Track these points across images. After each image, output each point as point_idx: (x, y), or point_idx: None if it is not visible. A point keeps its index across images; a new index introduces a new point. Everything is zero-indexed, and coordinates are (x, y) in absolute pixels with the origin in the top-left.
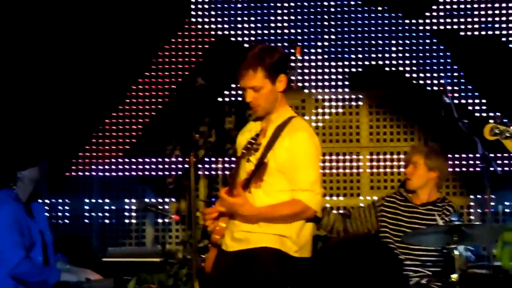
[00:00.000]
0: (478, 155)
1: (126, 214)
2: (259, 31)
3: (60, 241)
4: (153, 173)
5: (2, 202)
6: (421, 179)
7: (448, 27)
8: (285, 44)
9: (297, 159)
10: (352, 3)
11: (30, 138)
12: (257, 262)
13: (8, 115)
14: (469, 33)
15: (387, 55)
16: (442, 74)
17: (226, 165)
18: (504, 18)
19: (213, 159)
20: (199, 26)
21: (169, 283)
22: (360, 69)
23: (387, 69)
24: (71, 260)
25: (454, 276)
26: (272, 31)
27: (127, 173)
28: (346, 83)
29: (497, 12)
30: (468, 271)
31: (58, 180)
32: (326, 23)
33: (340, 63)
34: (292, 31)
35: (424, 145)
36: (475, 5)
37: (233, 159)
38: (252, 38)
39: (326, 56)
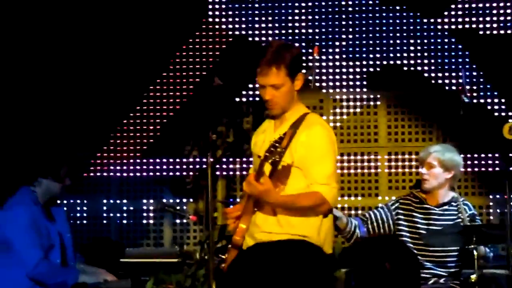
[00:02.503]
0: (497, 155)
1: (144, 214)
2: (276, 31)
3: (95, 243)
4: (171, 173)
5: (20, 202)
6: (437, 179)
7: (467, 26)
8: (303, 44)
9: (314, 153)
10: (370, 2)
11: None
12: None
13: (28, 113)
14: (487, 32)
15: (405, 54)
16: (460, 74)
17: (244, 166)
18: None
19: (231, 159)
20: (217, 26)
21: (186, 283)
22: (378, 69)
23: (405, 68)
24: (101, 263)
25: (473, 277)
26: (290, 31)
27: (144, 174)
28: (364, 83)
29: None
30: (487, 272)
31: (76, 180)
32: (343, 22)
33: (358, 63)
34: (310, 31)
35: (438, 145)
36: (494, 4)
37: (251, 159)
38: (270, 38)
39: (344, 56)
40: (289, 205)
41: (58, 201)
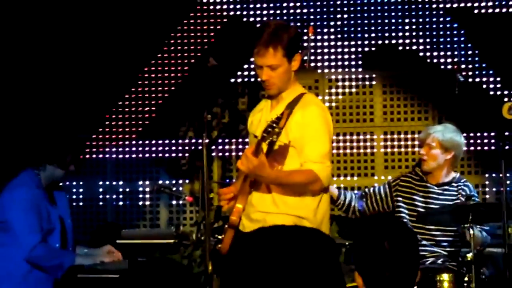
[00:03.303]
0: (493, 134)
1: (140, 196)
2: (271, 11)
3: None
4: (167, 154)
5: (23, 184)
6: (436, 160)
7: (462, 4)
8: (298, 24)
9: (308, 132)
10: None
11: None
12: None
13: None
14: (483, 10)
15: (400, 34)
16: (456, 52)
17: (240, 146)
18: None
19: (226, 140)
20: (211, 7)
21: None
22: (373, 49)
23: (400, 48)
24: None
25: (470, 256)
26: (285, 11)
27: (140, 155)
28: (359, 62)
29: None
30: (483, 250)
31: (78, 165)
32: (338, 2)
33: (353, 43)
34: (305, 10)
35: (438, 125)
36: None
37: (247, 140)
38: (264, 18)
39: (339, 36)
40: (282, 181)
41: (61, 184)
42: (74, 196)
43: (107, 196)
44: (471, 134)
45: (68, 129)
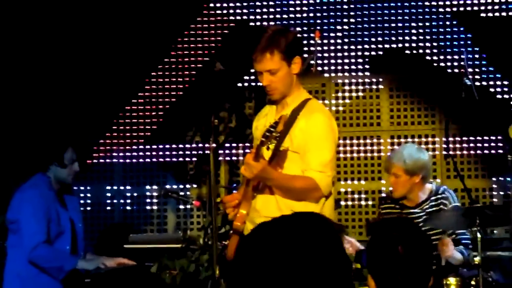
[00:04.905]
0: (500, 137)
1: (148, 200)
2: (278, 16)
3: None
4: (174, 159)
5: (34, 186)
6: (405, 187)
7: (469, 8)
8: (305, 28)
9: (312, 139)
10: None
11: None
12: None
13: (31, 100)
14: (490, 14)
15: (407, 37)
16: (463, 56)
17: (247, 150)
18: None
19: (233, 144)
20: (218, 11)
21: (190, 269)
22: (380, 52)
23: (407, 51)
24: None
25: (477, 259)
26: (291, 15)
27: (147, 160)
28: (366, 66)
29: None
30: (491, 254)
31: (85, 167)
32: (345, 6)
33: (359, 47)
34: (311, 14)
35: (398, 149)
36: None
37: (250, 144)
38: (271, 23)
39: (345, 40)
40: (283, 183)
41: (75, 188)
42: (82, 201)
43: (115, 201)
44: (478, 138)
45: (65, 128)
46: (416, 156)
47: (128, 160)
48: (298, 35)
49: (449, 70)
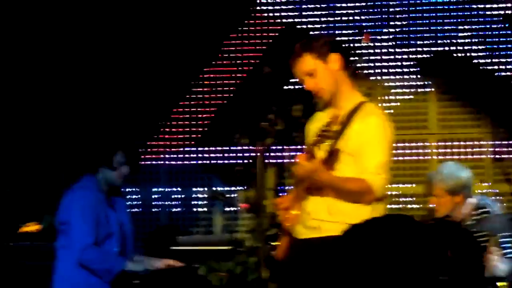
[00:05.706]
0: None
1: (194, 202)
2: (325, 18)
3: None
4: (222, 161)
5: (84, 188)
6: (447, 207)
7: None
8: (353, 31)
9: (366, 142)
10: None
11: (110, 132)
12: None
13: (84, 103)
14: None
15: (455, 40)
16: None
17: (294, 153)
18: None
19: (280, 147)
20: (265, 14)
21: (237, 271)
22: (428, 56)
23: (456, 55)
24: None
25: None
26: (339, 18)
27: (195, 162)
28: (415, 69)
29: None
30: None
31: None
32: (394, 9)
33: (408, 50)
34: (360, 18)
35: (440, 169)
36: None
37: (302, 147)
38: (319, 26)
39: (394, 43)
40: (335, 185)
41: (122, 190)
42: (129, 202)
43: (161, 203)
44: None
45: (115, 130)
46: (457, 175)
47: (173, 162)
48: (332, 38)
49: (498, 74)
